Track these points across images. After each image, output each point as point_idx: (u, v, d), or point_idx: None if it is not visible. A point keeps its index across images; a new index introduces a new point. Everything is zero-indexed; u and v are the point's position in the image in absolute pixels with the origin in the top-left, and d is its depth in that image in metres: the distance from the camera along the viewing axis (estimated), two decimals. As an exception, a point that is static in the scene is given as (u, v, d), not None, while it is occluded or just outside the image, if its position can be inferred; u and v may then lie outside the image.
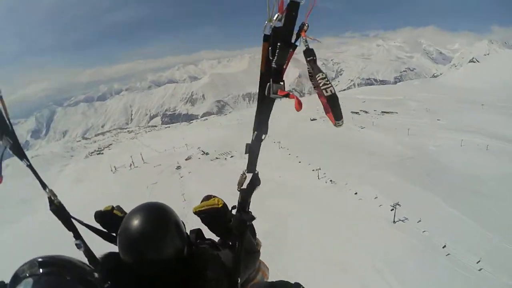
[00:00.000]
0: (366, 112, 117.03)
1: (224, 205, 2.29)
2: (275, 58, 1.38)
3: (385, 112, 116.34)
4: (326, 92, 1.22)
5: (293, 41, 1.36)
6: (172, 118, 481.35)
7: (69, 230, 2.15)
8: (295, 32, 1.34)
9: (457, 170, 52.68)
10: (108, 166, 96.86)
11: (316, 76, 1.27)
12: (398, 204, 40.21)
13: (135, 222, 1.55)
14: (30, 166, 2.00)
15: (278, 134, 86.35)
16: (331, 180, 54.15)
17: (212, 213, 2.24)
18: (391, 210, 40.57)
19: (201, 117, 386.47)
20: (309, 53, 1.33)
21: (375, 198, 45.69)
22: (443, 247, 33.76)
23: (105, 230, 2.22)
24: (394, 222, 39.43)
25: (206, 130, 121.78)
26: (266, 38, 1.37)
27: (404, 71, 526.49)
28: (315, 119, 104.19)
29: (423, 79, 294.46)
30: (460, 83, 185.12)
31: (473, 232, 35.97)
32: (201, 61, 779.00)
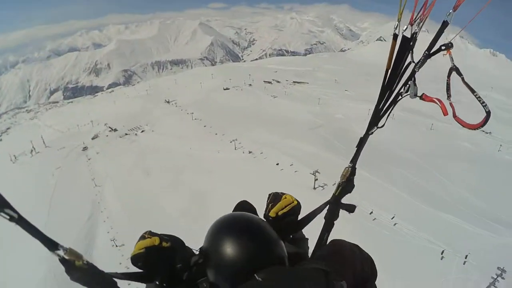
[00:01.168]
0: (278, 81, 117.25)
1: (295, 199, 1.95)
2: (418, 64, 1.45)
3: (296, 82, 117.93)
4: (486, 108, 1.32)
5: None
6: (74, 91, 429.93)
7: None
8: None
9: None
10: (7, 156, 79.87)
11: (474, 94, 1.37)
12: (318, 172, 40.76)
13: (238, 249, 1.38)
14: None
15: (191, 104, 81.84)
16: (249, 152, 52.73)
17: (296, 212, 1.88)
18: (312, 176, 41.01)
19: (107, 88, 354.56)
20: (459, 72, 1.39)
21: (291, 165, 45.98)
22: (370, 213, 36.85)
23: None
24: (314, 188, 40.18)
25: (112, 104, 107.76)
26: (396, 37, 1.45)
27: (314, 44, 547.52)
28: (228, 89, 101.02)
29: (332, 53, 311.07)
30: (366, 58, 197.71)
31: (387, 193, 40.21)
32: (107, 26, 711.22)
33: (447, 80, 1.42)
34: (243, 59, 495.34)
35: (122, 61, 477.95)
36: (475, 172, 47.86)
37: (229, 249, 1.37)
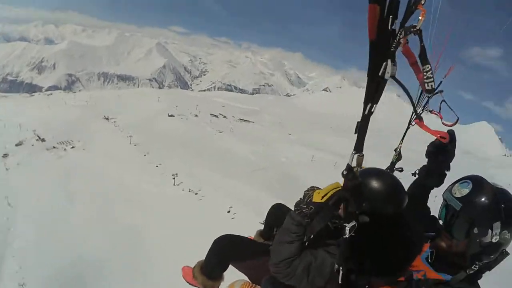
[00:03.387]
0: (225, 116, 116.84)
1: None
2: (395, 43, 1.37)
3: (242, 119, 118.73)
4: (427, 86, 1.66)
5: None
6: (12, 85, 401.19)
7: None
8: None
9: (309, 182, 55.09)
10: None
11: (424, 67, 1.61)
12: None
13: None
14: None
15: (131, 126, 76.43)
16: (189, 190, 49.38)
17: None
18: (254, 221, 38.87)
19: (46, 90, 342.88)
20: (420, 35, 1.43)
21: (230, 207, 43.72)
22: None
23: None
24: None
25: (47, 109, 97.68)
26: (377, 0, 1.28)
27: (263, 85, 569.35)
28: (173, 116, 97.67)
29: (278, 96, 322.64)
30: (311, 106, 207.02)
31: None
32: (65, 24, 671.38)
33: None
34: (191, 87, 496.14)
35: (69, 64, 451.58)
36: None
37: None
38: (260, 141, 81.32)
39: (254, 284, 2.63)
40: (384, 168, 2.32)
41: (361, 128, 1.59)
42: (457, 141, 2.40)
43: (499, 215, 1.68)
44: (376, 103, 1.51)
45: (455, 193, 1.81)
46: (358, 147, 1.66)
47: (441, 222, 2.03)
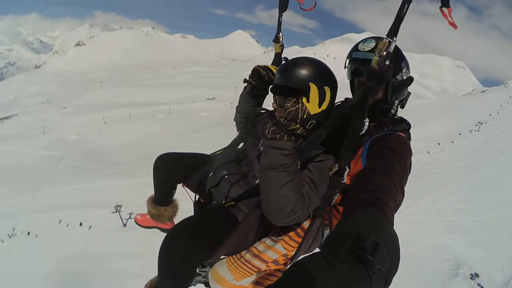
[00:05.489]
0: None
1: None
2: None
3: (3, 118, 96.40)
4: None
5: None
6: None
7: None
8: None
9: (113, 147, 52.72)
10: None
11: None
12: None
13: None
14: None
15: None
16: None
17: None
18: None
19: None
20: None
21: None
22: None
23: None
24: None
25: None
26: None
27: (5, 67, 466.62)
28: None
29: (27, 72, 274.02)
30: (68, 68, 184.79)
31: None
32: None
33: None
34: None
35: None
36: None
37: None
38: (39, 130, 68.51)
39: (238, 255, 1.95)
40: None
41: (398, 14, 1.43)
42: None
43: (403, 56, 1.89)
44: None
45: (363, 49, 1.86)
46: (394, 31, 1.46)
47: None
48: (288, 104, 1.59)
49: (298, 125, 1.58)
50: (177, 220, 2.44)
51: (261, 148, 1.71)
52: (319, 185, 1.67)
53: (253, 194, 1.89)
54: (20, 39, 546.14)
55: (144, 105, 75.08)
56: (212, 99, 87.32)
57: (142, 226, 2.97)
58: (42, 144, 59.79)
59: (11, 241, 28.26)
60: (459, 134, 48.38)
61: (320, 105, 1.64)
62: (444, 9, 1.38)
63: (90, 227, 27.33)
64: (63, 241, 26.29)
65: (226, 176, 2.06)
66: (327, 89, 1.69)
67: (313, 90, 1.63)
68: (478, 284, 21.05)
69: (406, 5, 1.40)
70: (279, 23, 2.42)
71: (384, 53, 1.45)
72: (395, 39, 1.47)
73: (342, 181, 1.64)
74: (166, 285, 1.84)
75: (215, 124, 58.45)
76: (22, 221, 30.48)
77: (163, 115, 69.38)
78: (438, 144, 44.73)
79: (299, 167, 1.67)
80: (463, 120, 53.12)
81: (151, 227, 2.92)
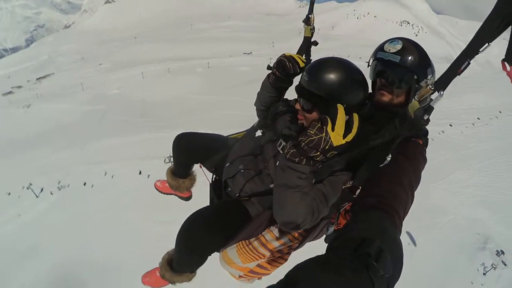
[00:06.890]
0: (20, 86, 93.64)
1: None
2: None
3: (41, 77, 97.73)
4: None
5: None
6: None
7: None
8: None
9: (154, 100, 51.54)
10: None
11: None
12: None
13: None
14: None
15: None
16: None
17: None
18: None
19: None
20: None
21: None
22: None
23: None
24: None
25: None
26: None
27: (34, 30, 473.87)
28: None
29: (57, 33, 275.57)
30: (98, 27, 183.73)
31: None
32: None
33: None
34: None
35: None
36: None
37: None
38: (77, 87, 68.31)
39: (247, 241, 2.05)
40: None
41: (454, 66, 1.42)
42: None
43: (430, 61, 1.88)
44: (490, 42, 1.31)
45: (389, 50, 1.85)
46: (443, 85, 1.48)
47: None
48: (311, 132, 1.51)
49: (318, 153, 1.52)
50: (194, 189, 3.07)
51: (277, 164, 1.80)
52: (330, 198, 1.72)
53: (266, 194, 2.01)
54: (47, 1, 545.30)
55: (181, 60, 73.27)
56: (249, 53, 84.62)
57: (162, 193, 3.16)
58: (83, 100, 59.44)
59: (62, 193, 28.13)
60: (499, 112, 45.16)
61: (345, 136, 1.54)
62: (507, 64, 1.27)
63: (148, 176, 26.66)
64: (119, 192, 26.37)
65: (242, 171, 2.13)
66: (355, 117, 1.58)
67: (341, 115, 1.51)
68: (503, 261, 21.70)
69: (466, 62, 1.36)
70: (312, 2, 2.33)
71: (426, 105, 1.45)
72: (442, 93, 1.43)
73: (353, 196, 1.79)
74: (182, 260, 2.26)
75: (255, 80, 55.22)
76: (73, 172, 30.17)
77: (202, 69, 67.38)
78: (478, 119, 42.74)
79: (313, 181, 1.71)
80: (510, 97, 49.69)
81: (170, 194, 3.09)
